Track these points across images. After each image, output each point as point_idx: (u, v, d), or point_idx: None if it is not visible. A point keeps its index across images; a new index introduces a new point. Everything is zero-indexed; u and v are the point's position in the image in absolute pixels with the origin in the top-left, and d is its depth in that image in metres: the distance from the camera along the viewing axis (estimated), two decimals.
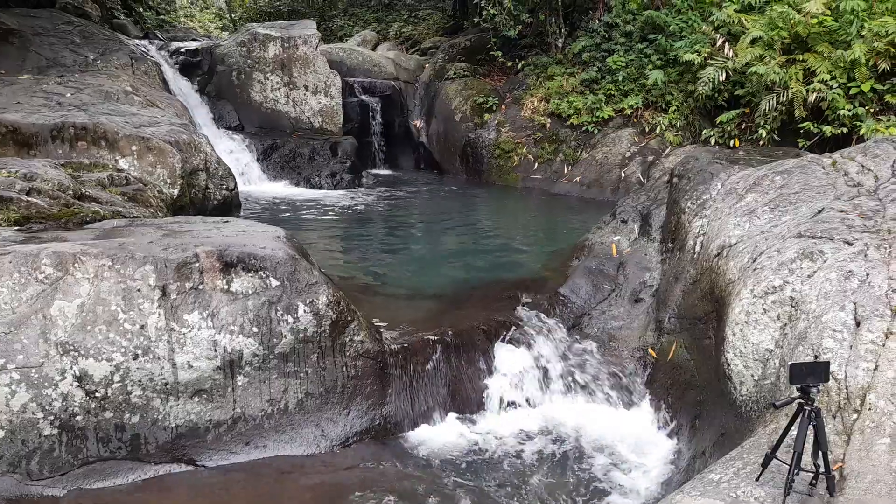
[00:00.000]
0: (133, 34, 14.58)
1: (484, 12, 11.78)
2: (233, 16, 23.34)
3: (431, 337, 3.77)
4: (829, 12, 8.32)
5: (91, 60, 9.37)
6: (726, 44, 9.32)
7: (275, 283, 3.30)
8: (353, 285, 4.90)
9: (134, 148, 6.26)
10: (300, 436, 3.28)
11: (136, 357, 2.96)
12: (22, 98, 7.09)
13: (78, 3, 15.51)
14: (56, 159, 5.81)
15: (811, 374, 1.94)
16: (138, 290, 3.00)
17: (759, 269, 3.10)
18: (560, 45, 11.85)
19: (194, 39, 14.03)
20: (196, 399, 3.09)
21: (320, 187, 10.38)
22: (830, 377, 2.25)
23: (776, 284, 2.92)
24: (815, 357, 2.42)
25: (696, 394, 3.48)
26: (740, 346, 2.95)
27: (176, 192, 6.40)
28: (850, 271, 2.69)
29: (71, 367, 2.86)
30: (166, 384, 3.02)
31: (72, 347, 2.87)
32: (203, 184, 7.17)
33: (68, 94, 7.43)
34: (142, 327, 2.98)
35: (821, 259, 2.87)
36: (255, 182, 10.16)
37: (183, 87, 10.98)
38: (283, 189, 10.00)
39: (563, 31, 11.86)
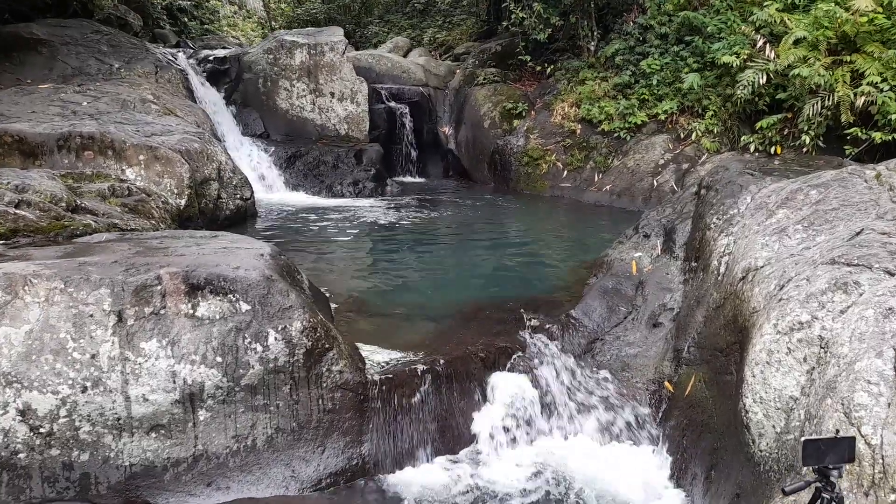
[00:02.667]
0: (172, 43, 14.74)
1: (513, 16, 11.44)
2: (273, 24, 23.59)
3: (420, 366, 3.45)
4: (880, 9, 7.71)
5: (115, 69, 9.39)
6: (767, 45, 8.76)
7: (245, 307, 3.03)
8: (351, 303, 4.62)
9: (141, 157, 6.13)
10: (268, 476, 3.00)
11: (84, 390, 2.72)
12: (38, 107, 7.07)
13: (121, 14, 15.79)
14: (61, 169, 5.72)
15: (831, 452, 1.56)
16: (91, 316, 2.77)
17: (786, 301, 2.69)
18: (592, 48, 11.41)
19: (225, 47, 14.06)
20: (152, 435, 2.84)
21: (342, 196, 10.19)
22: (864, 441, 1.85)
23: (803, 320, 2.52)
24: (845, 415, 2.02)
25: (713, 439, 3.08)
26: (760, 390, 2.55)
27: (183, 202, 6.24)
28: (890, 308, 2.28)
29: (14, 401, 2.65)
30: (119, 419, 2.78)
31: (15, 379, 2.65)
32: (214, 193, 7.03)
33: (85, 103, 7.39)
34: (93, 357, 2.75)
35: (856, 292, 2.46)
36: (276, 190, 10.02)
37: (209, 95, 10.94)
38: (303, 198, 9.83)
39: (595, 34, 11.42)
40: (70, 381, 2.71)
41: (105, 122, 6.56)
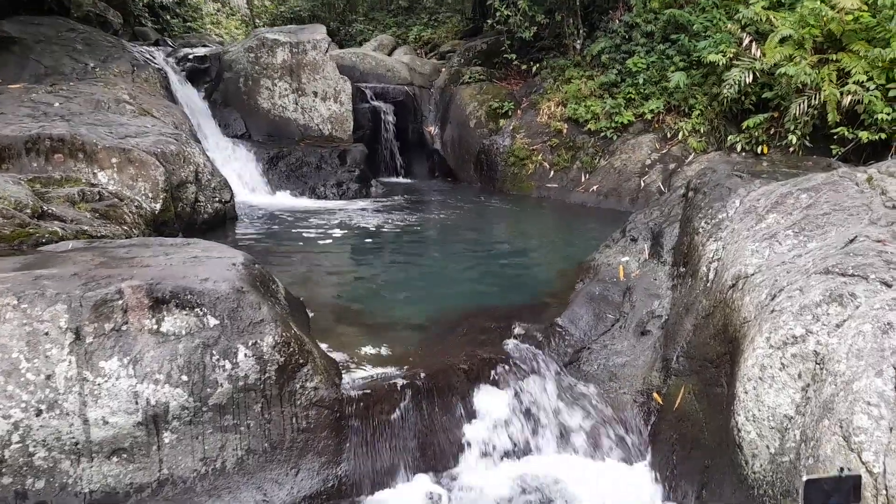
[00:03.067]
0: (151, 41, 14.47)
1: (498, 13, 11.31)
2: (256, 22, 23.34)
3: (400, 381, 3.30)
4: (865, 8, 7.66)
5: (91, 68, 9.15)
6: (753, 43, 8.70)
7: (213, 321, 2.87)
8: (330, 313, 4.47)
9: (114, 160, 5.93)
10: (239, 500, 2.85)
11: (38, 413, 2.56)
12: (7, 108, 6.84)
13: (100, 11, 15.48)
14: (29, 173, 5.52)
15: (835, 492, 1.44)
16: (46, 334, 2.60)
17: (778, 312, 2.58)
18: (578, 46, 11.32)
19: (205, 45, 13.81)
20: (114, 459, 2.68)
21: (325, 197, 10.02)
22: (865, 469, 1.74)
23: (797, 334, 2.40)
24: (844, 439, 1.90)
25: (703, 456, 2.96)
26: (753, 408, 2.43)
27: (158, 206, 6.05)
28: (889, 323, 2.17)
29: None
30: (77, 444, 2.62)
31: None
32: (192, 197, 6.84)
33: (57, 104, 7.17)
34: (48, 377, 2.58)
35: (852, 304, 2.34)
36: (257, 192, 9.83)
37: (188, 95, 10.72)
38: (285, 200, 9.65)
39: (581, 32, 11.33)
40: (23, 405, 2.54)
41: (77, 124, 6.35)
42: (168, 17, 20.18)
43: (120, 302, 2.74)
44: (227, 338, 2.86)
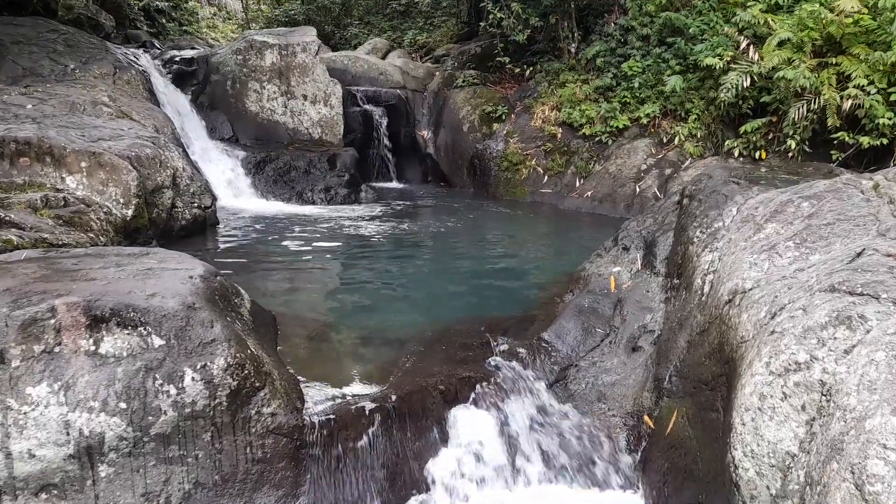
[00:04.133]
0: (139, 43, 14.26)
1: (490, 16, 11.09)
2: (252, 26, 23.18)
3: (369, 405, 3.04)
4: (865, 10, 7.44)
5: (70, 70, 8.90)
6: (751, 47, 8.48)
7: (158, 342, 2.61)
8: (302, 327, 4.20)
9: (83, 164, 5.67)
10: None
11: None
12: None
13: (92, 14, 15.28)
14: None
15: None
16: None
17: (779, 334, 2.32)
18: (573, 50, 11.09)
19: (194, 48, 13.57)
20: (42, 496, 2.42)
21: (313, 203, 9.77)
22: None
23: (800, 360, 2.15)
24: (857, 487, 1.65)
25: (697, 490, 2.70)
26: (752, 442, 2.18)
27: (130, 212, 5.79)
28: None
29: None
30: None
31: None
32: (168, 202, 6.58)
33: (29, 106, 6.91)
34: None
35: (862, 328, 2.09)
36: (243, 197, 9.58)
37: (174, 98, 10.48)
38: (271, 205, 9.39)
39: (576, 35, 11.11)
40: None
41: (47, 126, 6.10)
42: (164, 21, 20.02)
43: (52, 321, 2.48)
44: (172, 360, 2.60)
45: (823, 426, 1.97)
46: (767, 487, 2.08)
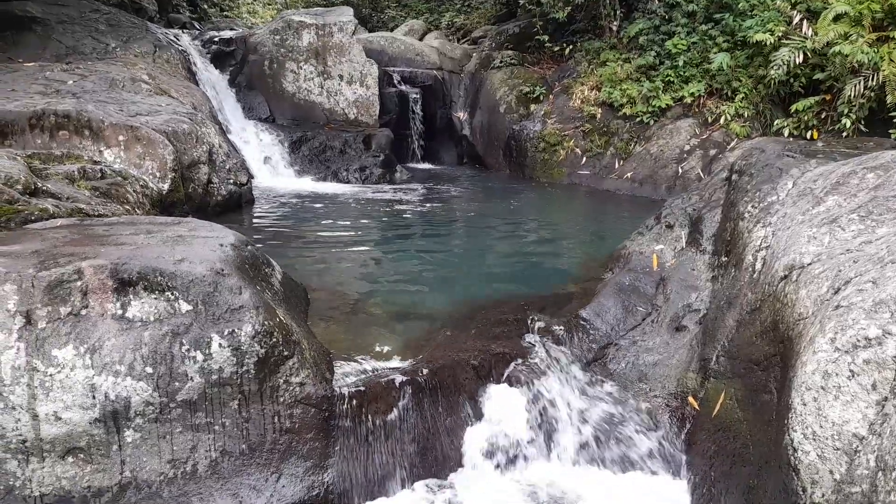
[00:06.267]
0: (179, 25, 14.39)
1: None
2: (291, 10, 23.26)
3: (399, 378, 2.93)
4: None
5: (111, 48, 8.98)
6: (804, 21, 8.07)
7: (185, 307, 2.55)
8: (334, 301, 4.12)
9: (121, 138, 5.68)
10: None
11: None
12: (20, 85, 6.67)
13: None
14: (32, 150, 5.30)
15: None
16: None
17: (846, 309, 2.13)
18: (615, 28, 10.77)
19: (232, 29, 13.61)
20: (68, 460, 2.38)
21: (347, 182, 9.72)
22: None
23: (871, 335, 1.96)
24: None
25: (748, 474, 2.53)
26: (813, 423, 2.00)
27: (166, 186, 5.79)
28: None
29: None
30: (24, 441, 2.32)
31: None
32: (204, 178, 6.57)
33: (70, 82, 6.97)
34: None
35: None
36: (279, 176, 9.59)
37: (212, 77, 10.52)
38: (307, 184, 9.37)
39: (618, 13, 10.76)
40: None
41: (86, 101, 6.13)
42: (205, 6, 20.20)
43: (79, 283, 2.43)
44: (199, 325, 2.53)
45: None
46: (831, 472, 1.90)
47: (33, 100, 6.05)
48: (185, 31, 12.19)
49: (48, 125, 5.53)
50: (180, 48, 10.08)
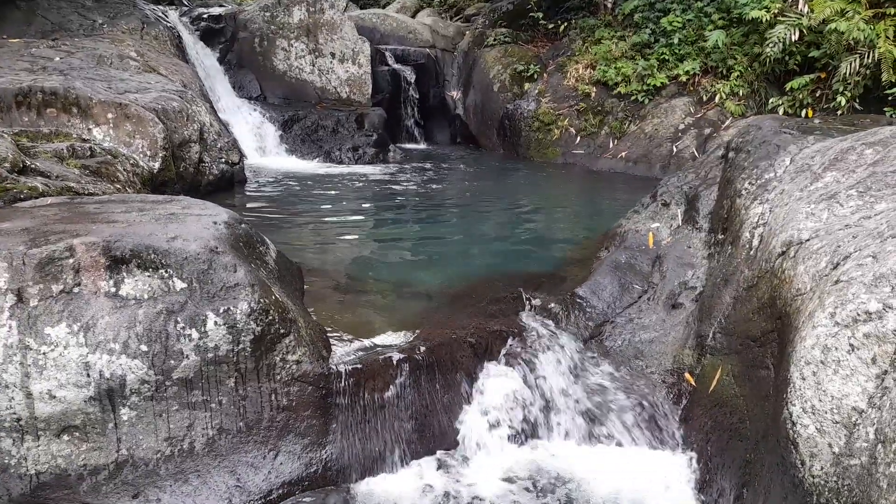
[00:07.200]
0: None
1: None
2: None
3: (396, 355, 2.92)
4: None
5: (98, 24, 8.81)
6: None
7: (179, 285, 2.51)
8: (329, 279, 4.10)
9: (110, 115, 5.59)
10: (208, 486, 2.51)
11: None
12: (5, 62, 6.53)
13: None
14: (21, 127, 5.20)
15: None
16: None
17: (845, 283, 2.13)
18: (609, 5, 10.68)
19: (221, 5, 13.40)
20: (64, 438, 2.36)
21: (341, 162, 9.64)
22: None
23: (871, 309, 1.96)
24: None
25: (744, 448, 2.54)
26: (812, 397, 2.00)
27: (157, 165, 5.71)
28: None
29: None
30: (19, 420, 2.30)
31: None
32: (196, 157, 6.49)
33: (57, 59, 6.84)
34: None
35: None
36: (270, 155, 9.50)
37: (201, 55, 10.35)
38: (299, 163, 9.29)
39: None
40: None
41: (73, 78, 6.02)
42: None
43: (70, 261, 2.39)
44: (194, 303, 2.50)
45: None
46: (830, 445, 1.91)
47: (19, 76, 5.94)
48: (173, 7, 11.97)
49: (35, 102, 5.43)
50: (169, 25, 9.90)
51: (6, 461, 2.29)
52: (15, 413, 2.28)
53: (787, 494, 2.04)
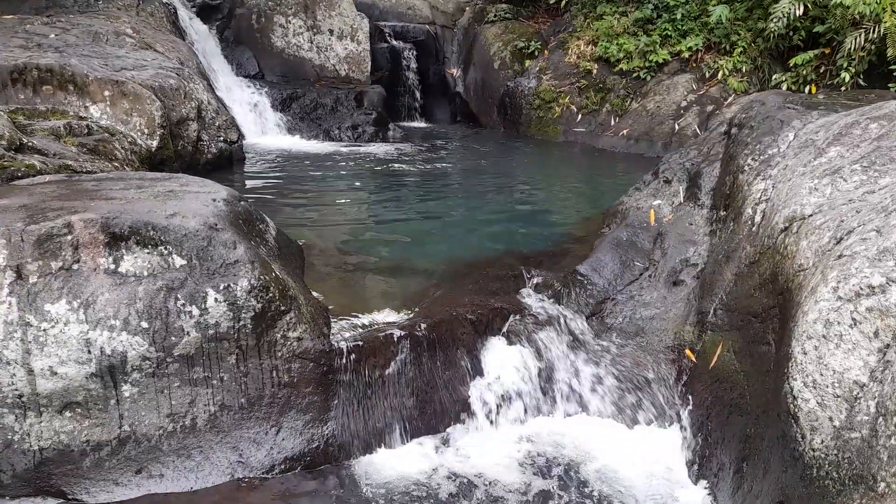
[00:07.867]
0: None
1: None
2: None
3: (397, 332, 2.92)
4: None
5: (93, 1, 8.70)
6: None
7: (179, 262, 2.51)
8: (330, 257, 4.08)
9: (107, 93, 5.53)
10: (210, 462, 2.53)
11: None
12: None
13: None
14: (17, 105, 5.16)
15: None
16: None
17: (849, 258, 2.12)
18: None
19: None
20: (66, 414, 2.36)
21: (340, 140, 9.57)
22: None
23: (875, 283, 1.95)
24: None
25: (744, 423, 2.55)
26: (814, 372, 2.00)
27: (155, 143, 5.67)
28: None
29: None
30: (21, 396, 2.30)
31: None
32: (194, 135, 6.44)
33: (52, 35, 6.76)
34: None
35: None
36: (269, 134, 9.43)
37: (198, 31, 10.22)
38: (298, 142, 9.23)
39: None
40: None
41: (69, 55, 5.95)
42: None
43: (69, 237, 2.38)
44: (194, 280, 2.49)
45: None
46: (830, 419, 1.91)
47: (13, 53, 5.87)
48: None
49: (31, 80, 5.37)
50: (165, 1, 9.77)
51: (9, 437, 2.30)
52: (17, 389, 2.29)
53: (786, 468, 2.05)
